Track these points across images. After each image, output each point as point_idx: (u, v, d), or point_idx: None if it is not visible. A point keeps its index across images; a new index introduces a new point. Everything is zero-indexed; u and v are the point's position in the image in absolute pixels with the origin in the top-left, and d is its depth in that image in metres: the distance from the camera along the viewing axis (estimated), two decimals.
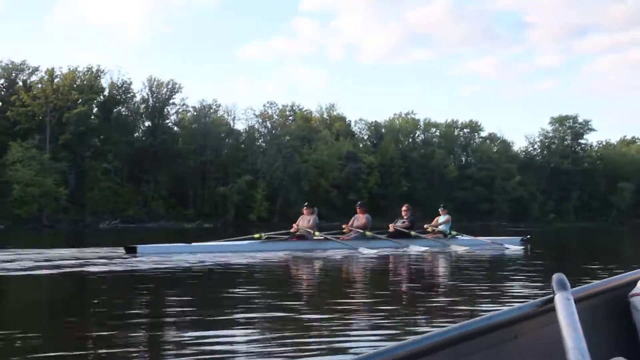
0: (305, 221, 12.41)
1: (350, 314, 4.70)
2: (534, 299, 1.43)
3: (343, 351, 3.37)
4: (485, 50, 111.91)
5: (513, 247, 13.20)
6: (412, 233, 12.81)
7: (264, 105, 63.24)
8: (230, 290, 6.16)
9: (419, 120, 70.22)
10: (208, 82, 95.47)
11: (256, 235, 11.71)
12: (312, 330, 4.06)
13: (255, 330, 3.93)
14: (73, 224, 43.92)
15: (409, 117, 69.99)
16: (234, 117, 60.74)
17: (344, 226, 13.06)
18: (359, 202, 13.61)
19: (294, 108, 65.55)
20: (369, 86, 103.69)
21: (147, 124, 56.00)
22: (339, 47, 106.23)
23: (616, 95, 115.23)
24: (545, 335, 1.41)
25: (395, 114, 70.69)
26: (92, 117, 49.41)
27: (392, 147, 63.60)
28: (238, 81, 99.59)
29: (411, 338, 1.15)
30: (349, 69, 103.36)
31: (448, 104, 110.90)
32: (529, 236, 14.54)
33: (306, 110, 66.12)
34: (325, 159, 58.29)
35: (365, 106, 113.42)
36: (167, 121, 56.99)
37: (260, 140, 62.20)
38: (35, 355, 3.23)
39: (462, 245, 12.77)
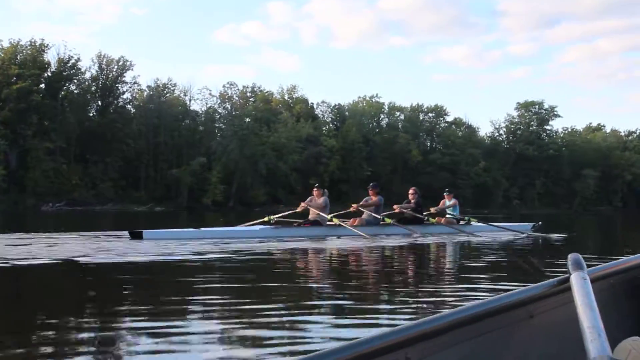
0: (316, 204, 11.74)
1: (367, 303, 4.48)
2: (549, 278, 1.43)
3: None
4: (458, 38, 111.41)
5: (533, 234, 12.82)
6: (433, 220, 12.73)
7: (224, 86, 61.18)
8: (241, 281, 5.68)
9: (383, 104, 68.67)
10: (181, 66, 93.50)
11: (265, 219, 11.28)
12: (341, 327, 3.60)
13: (267, 324, 3.59)
14: (13, 206, 41.54)
15: (373, 100, 68.34)
16: (190, 98, 58.47)
17: (353, 205, 12.35)
18: (371, 184, 12.67)
19: (255, 89, 63.52)
20: (342, 72, 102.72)
21: (98, 103, 53.41)
22: (312, 32, 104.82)
23: (586, 84, 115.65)
24: (561, 315, 1.42)
25: (359, 97, 69.03)
26: (36, 94, 46.59)
27: (354, 130, 61.92)
28: (212, 65, 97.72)
29: (428, 317, 1.17)
30: (322, 54, 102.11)
31: (421, 91, 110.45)
32: (540, 223, 14.20)
33: (267, 91, 64.11)
34: (285, 141, 56.43)
35: (337, 91, 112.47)
36: (119, 100, 54.43)
37: (220, 122, 60.15)
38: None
39: (482, 232, 12.52)
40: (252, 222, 11.35)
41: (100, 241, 8.96)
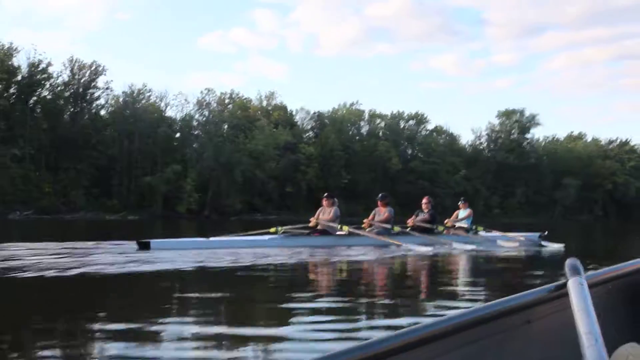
0: (325, 214, 11.54)
1: (374, 309, 4.65)
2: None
3: None
4: (444, 46, 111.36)
5: (550, 244, 12.53)
6: (441, 228, 12.52)
7: (201, 92, 60.26)
8: (251, 291, 5.70)
9: (363, 111, 68.06)
10: (167, 73, 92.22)
11: (272, 230, 11.00)
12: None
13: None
14: None
15: (353, 107, 67.70)
16: (166, 104, 57.45)
17: (365, 221, 12.06)
18: (380, 195, 12.38)
19: (233, 96, 62.67)
20: (328, 80, 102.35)
21: (69, 108, 52.16)
22: (299, 39, 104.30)
23: (570, 93, 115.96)
24: (558, 320, 1.42)
25: (339, 104, 68.35)
26: (4, 99, 45.33)
27: (333, 138, 61.18)
28: (198, 72, 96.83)
29: (424, 322, 1.17)
30: (309, 62, 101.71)
31: (407, 99, 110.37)
32: (546, 232, 13.98)
33: (245, 98, 63.26)
34: (262, 148, 55.55)
35: (324, 100, 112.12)
36: (92, 106, 53.26)
37: (199, 130, 59.13)
38: None
39: (493, 242, 12.40)
40: (257, 232, 11.18)
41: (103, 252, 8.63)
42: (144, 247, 9.13)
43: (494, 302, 1.30)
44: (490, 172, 70.15)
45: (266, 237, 10.75)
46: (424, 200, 12.76)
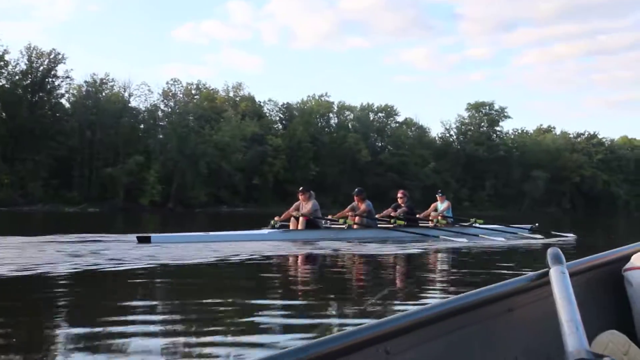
0: (304, 208, 11.28)
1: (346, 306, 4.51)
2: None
3: None
4: (418, 40, 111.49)
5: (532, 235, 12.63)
6: (441, 222, 12.55)
7: (167, 83, 59.08)
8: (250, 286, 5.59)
9: (332, 103, 67.38)
10: (141, 65, 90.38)
11: (272, 222, 10.87)
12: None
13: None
14: None
15: (322, 99, 67.01)
16: (129, 94, 56.07)
17: (349, 215, 11.77)
18: (356, 189, 12.06)
19: (200, 87, 61.53)
20: (302, 72, 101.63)
21: (28, 97, 50.51)
22: (273, 32, 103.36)
23: (541, 88, 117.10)
24: (540, 308, 1.44)
25: (308, 96, 67.60)
26: None
27: (301, 129, 60.44)
28: (171, 64, 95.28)
29: (407, 311, 1.19)
30: (283, 54, 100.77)
31: (380, 93, 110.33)
32: (537, 224, 14.09)
33: (212, 89, 62.16)
34: (228, 140, 54.56)
35: (298, 92, 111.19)
36: (52, 96, 51.67)
37: (165, 121, 57.84)
38: None
39: (485, 234, 12.16)
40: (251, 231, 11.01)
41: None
42: (145, 241, 9.07)
43: (476, 290, 1.31)
44: (460, 165, 70.13)
45: (265, 230, 10.66)
46: (399, 194, 12.60)
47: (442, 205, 13.21)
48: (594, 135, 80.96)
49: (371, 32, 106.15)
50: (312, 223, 11.09)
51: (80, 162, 50.64)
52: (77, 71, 74.21)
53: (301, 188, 11.66)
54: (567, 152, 76.96)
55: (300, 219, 11.01)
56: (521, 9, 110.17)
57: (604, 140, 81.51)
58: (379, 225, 11.89)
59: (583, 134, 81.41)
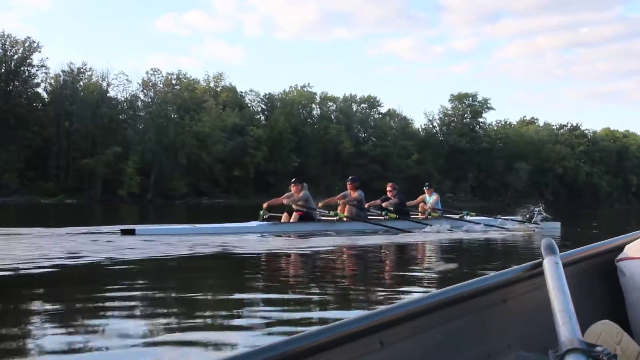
0: (296, 198, 10.99)
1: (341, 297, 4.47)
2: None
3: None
4: (402, 31, 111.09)
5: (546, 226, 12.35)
6: (432, 213, 12.25)
7: (147, 73, 58.18)
8: (232, 280, 5.44)
9: (315, 93, 66.83)
10: (123, 55, 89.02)
11: (261, 213, 10.59)
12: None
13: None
14: None
15: (305, 90, 66.40)
16: (108, 84, 55.12)
17: (339, 202, 11.50)
18: (350, 177, 11.90)
19: (180, 76, 60.66)
20: (285, 63, 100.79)
21: (1, 86, 49.46)
22: (256, 22, 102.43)
23: (524, 80, 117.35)
24: (534, 299, 1.45)
25: (291, 87, 66.95)
26: None
27: (283, 120, 59.84)
28: (154, 55, 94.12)
29: (402, 301, 1.21)
30: (266, 45, 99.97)
31: (365, 84, 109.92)
32: (527, 216, 13.98)
33: (193, 79, 61.35)
34: (208, 130, 53.85)
35: (279, 83, 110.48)
36: (27, 85, 50.66)
37: (143, 111, 56.98)
38: None
39: (480, 225, 12.08)
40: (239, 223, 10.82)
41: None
42: (129, 233, 8.87)
43: (471, 280, 1.32)
44: (443, 156, 69.89)
45: (254, 223, 10.44)
46: (388, 187, 12.35)
47: (430, 197, 12.92)
48: (577, 127, 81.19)
49: (355, 23, 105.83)
50: (305, 216, 10.83)
51: (57, 153, 49.77)
52: (58, 61, 72.37)
53: (293, 179, 11.40)
54: (550, 144, 77.06)
55: (294, 213, 10.81)
56: (504, 0, 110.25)
57: (586, 131, 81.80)
58: (370, 217, 11.66)
59: (566, 126, 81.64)
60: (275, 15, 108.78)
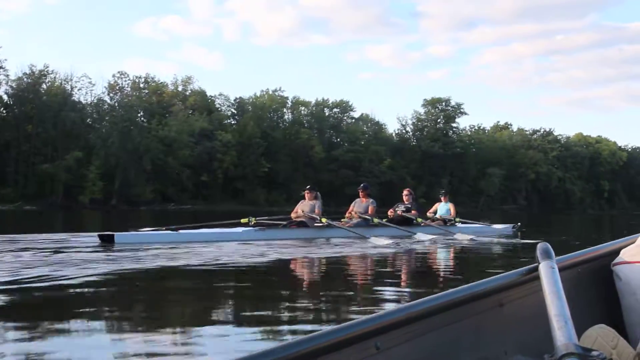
0: (308, 207, 10.90)
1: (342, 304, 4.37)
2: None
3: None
4: (381, 37, 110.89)
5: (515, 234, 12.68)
6: (420, 220, 11.88)
7: (114, 76, 56.75)
8: (220, 288, 5.20)
9: (287, 98, 65.86)
10: (99, 60, 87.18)
11: (243, 220, 10.27)
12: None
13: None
14: None
15: (276, 94, 65.40)
16: (71, 87, 53.61)
17: (347, 214, 11.49)
18: (362, 184, 12.02)
19: (148, 80, 59.34)
20: (264, 69, 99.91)
21: None
22: (234, 28, 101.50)
23: (501, 87, 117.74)
24: (530, 303, 1.45)
25: (262, 91, 65.88)
26: None
27: (252, 124, 58.74)
28: (131, 60, 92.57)
29: (398, 306, 1.21)
30: (244, 50, 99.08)
31: (342, 91, 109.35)
32: (519, 223, 14.25)
33: (161, 82, 60.04)
34: (175, 135, 52.57)
35: (255, 89, 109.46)
36: None
37: (107, 115, 55.42)
38: None
39: (470, 233, 11.57)
40: (227, 223, 10.44)
41: None
42: (108, 240, 8.35)
43: (467, 285, 1.31)
44: (416, 161, 69.29)
45: (240, 229, 10.10)
46: (405, 192, 12.39)
47: (444, 205, 12.86)
48: (550, 132, 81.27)
49: (334, 30, 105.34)
50: (301, 223, 10.70)
51: (16, 157, 48.11)
52: (27, 64, 70.43)
53: (308, 187, 11.36)
54: (523, 149, 76.96)
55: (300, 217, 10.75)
56: (480, 7, 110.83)
57: (559, 137, 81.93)
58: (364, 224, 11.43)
59: (539, 131, 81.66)
60: (254, 21, 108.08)
